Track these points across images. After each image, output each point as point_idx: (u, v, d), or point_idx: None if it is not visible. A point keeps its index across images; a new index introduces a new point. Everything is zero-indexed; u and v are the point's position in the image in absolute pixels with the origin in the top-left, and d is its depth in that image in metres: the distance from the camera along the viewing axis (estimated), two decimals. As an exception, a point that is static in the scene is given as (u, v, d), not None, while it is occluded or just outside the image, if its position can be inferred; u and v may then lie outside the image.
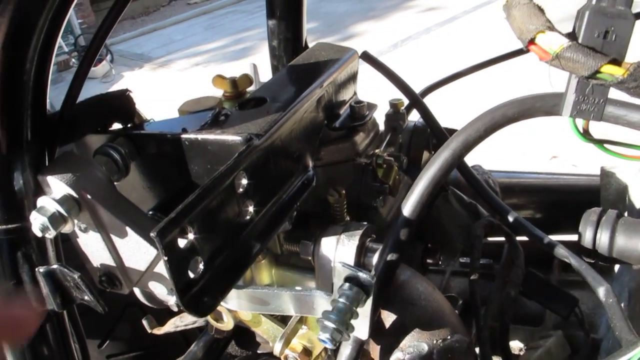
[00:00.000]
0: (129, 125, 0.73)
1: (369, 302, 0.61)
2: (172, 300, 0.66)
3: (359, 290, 0.60)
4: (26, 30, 0.57)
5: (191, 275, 0.54)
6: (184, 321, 0.94)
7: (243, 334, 0.95)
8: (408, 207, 0.70)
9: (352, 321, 0.60)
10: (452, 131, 0.84)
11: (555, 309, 0.87)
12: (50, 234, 0.57)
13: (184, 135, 0.64)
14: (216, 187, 0.55)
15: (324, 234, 0.71)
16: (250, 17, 9.40)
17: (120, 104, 0.72)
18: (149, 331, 0.94)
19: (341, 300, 0.59)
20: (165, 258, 0.49)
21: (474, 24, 6.73)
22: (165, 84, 7.00)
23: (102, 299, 0.62)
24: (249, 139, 0.61)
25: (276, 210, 0.67)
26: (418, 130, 0.91)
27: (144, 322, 0.94)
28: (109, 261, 0.63)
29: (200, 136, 0.63)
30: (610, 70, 0.39)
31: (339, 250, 0.69)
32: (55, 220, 0.57)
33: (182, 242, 0.52)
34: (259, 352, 0.95)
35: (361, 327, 0.64)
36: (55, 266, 0.62)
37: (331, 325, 0.59)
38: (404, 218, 0.70)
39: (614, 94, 0.45)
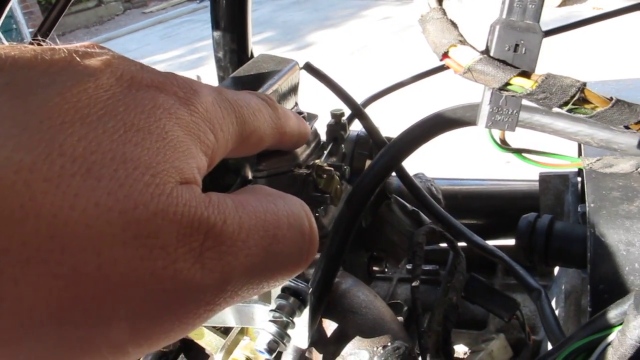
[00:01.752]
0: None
1: (307, 311, 0.62)
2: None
3: (296, 300, 0.60)
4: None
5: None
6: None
7: (192, 347, 0.95)
8: (344, 216, 0.71)
9: (291, 331, 0.61)
10: (393, 140, 0.86)
11: (498, 313, 0.89)
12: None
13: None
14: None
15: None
16: (207, 27, 9.28)
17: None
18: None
19: (278, 310, 0.60)
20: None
21: (429, 33, 6.84)
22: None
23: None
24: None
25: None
26: (360, 140, 0.92)
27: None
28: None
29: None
30: (520, 83, 0.41)
31: (278, 260, 0.69)
32: None
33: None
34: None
35: (300, 336, 0.65)
36: None
37: (267, 335, 0.59)
38: (340, 227, 0.70)
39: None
